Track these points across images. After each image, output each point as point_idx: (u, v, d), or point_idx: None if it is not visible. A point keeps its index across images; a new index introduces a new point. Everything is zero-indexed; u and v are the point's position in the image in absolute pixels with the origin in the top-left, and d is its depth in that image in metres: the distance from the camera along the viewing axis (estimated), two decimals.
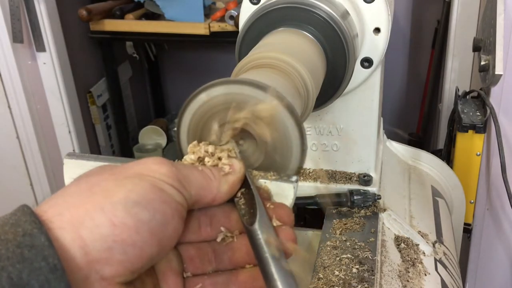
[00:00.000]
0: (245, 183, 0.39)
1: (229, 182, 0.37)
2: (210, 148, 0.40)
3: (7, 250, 0.27)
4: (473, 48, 1.17)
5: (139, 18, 1.94)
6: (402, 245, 0.73)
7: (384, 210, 0.77)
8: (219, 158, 0.39)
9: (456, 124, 1.16)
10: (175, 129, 0.43)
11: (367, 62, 0.70)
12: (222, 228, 0.37)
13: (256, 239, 0.35)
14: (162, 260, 0.36)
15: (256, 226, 0.35)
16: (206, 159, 0.39)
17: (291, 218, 0.38)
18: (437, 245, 0.77)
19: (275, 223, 0.37)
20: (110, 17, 1.92)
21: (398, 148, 1.01)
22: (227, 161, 0.39)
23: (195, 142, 0.40)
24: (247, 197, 0.38)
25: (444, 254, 0.78)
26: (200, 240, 0.38)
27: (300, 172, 0.43)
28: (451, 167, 1.09)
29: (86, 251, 0.29)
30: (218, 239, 0.37)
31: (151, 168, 0.34)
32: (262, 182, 0.40)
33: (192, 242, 0.37)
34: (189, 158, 0.39)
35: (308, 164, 0.81)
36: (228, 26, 1.80)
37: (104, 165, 0.35)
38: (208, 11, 1.91)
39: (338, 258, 0.65)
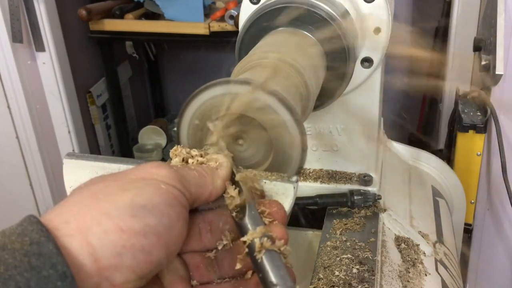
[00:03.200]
0: (234, 180, 0.39)
1: (221, 176, 0.38)
2: (193, 151, 0.40)
3: (15, 259, 0.27)
4: (473, 48, 1.17)
5: (139, 18, 1.93)
6: (403, 245, 0.73)
7: (385, 210, 0.77)
8: (202, 156, 0.40)
9: (456, 124, 1.16)
10: (175, 129, 0.43)
11: (367, 62, 0.70)
12: (223, 237, 0.38)
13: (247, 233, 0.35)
14: (169, 270, 0.36)
15: (246, 220, 0.36)
16: (190, 160, 0.39)
17: (282, 215, 0.38)
18: (437, 245, 0.77)
19: (267, 219, 0.37)
20: (110, 17, 1.92)
21: (398, 148, 1.01)
22: (214, 157, 0.39)
23: (175, 147, 0.41)
24: (235, 192, 0.38)
25: (445, 254, 0.77)
26: (203, 248, 0.38)
27: (300, 172, 0.43)
28: (452, 167, 1.09)
29: (95, 257, 0.29)
30: (219, 247, 0.38)
31: (151, 172, 0.34)
32: (262, 182, 0.40)
33: (196, 251, 0.37)
34: (174, 161, 0.39)
35: (308, 164, 0.81)
36: (228, 26, 1.80)
37: (102, 174, 0.35)
38: (208, 11, 1.91)
39: (338, 258, 0.65)
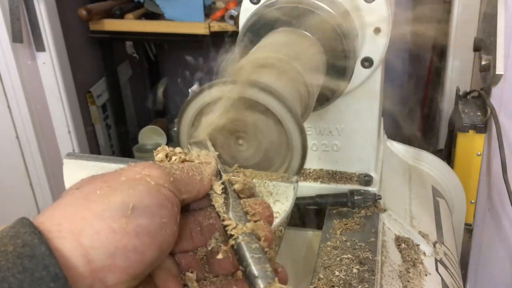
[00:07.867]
0: (219, 177, 0.39)
1: (208, 173, 0.38)
2: (177, 149, 0.40)
3: (7, 261, 0.27)
4: (473, 48, 1.17)
5: (139, 17, 1.93)
6: (403, 245, 0.73)
7: (385, 210, 0.77)
8: (185, 154, 0.40)
9: (456, 124, 1.16)
10: (175, 129, 0.43)
11: (367, 62, 0.70)
12: (212, 238, 0.38)
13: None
14: (162, 269, 0.36)
15: (230, 215, 0.36)
16: (173, 157, 0.39)
17: (268, 215, 0.38)
18: (437, 245, 0.77)
19: (253, 219, 0.37)
20: (110, 17, 1.92)
21: (399, 148, 1.01)
22: (200, 155, 0.39)
23: (159, 147, 0.41)
24: (221, 190, 0.39)
25: (445, 254, 0.77)
26: (194, 248, 0.38)
27: (300, 172, 0.43)
28: (452, 167, 1.09)
29: (88, 259, 0.29)
30: (209, 248, 0.38)
31: (142, 172, 0.34)
32: (262, 182, 0.40)
33: (188, 251, 0.38)
34: (158, 157, 0.40)
35: (309, 164, 0.81)
36: (228, 26, 1.80)
37: (93, 175, 0.35)
38: (208, 11, 1.91)
39: (338, 258, 0.65)
